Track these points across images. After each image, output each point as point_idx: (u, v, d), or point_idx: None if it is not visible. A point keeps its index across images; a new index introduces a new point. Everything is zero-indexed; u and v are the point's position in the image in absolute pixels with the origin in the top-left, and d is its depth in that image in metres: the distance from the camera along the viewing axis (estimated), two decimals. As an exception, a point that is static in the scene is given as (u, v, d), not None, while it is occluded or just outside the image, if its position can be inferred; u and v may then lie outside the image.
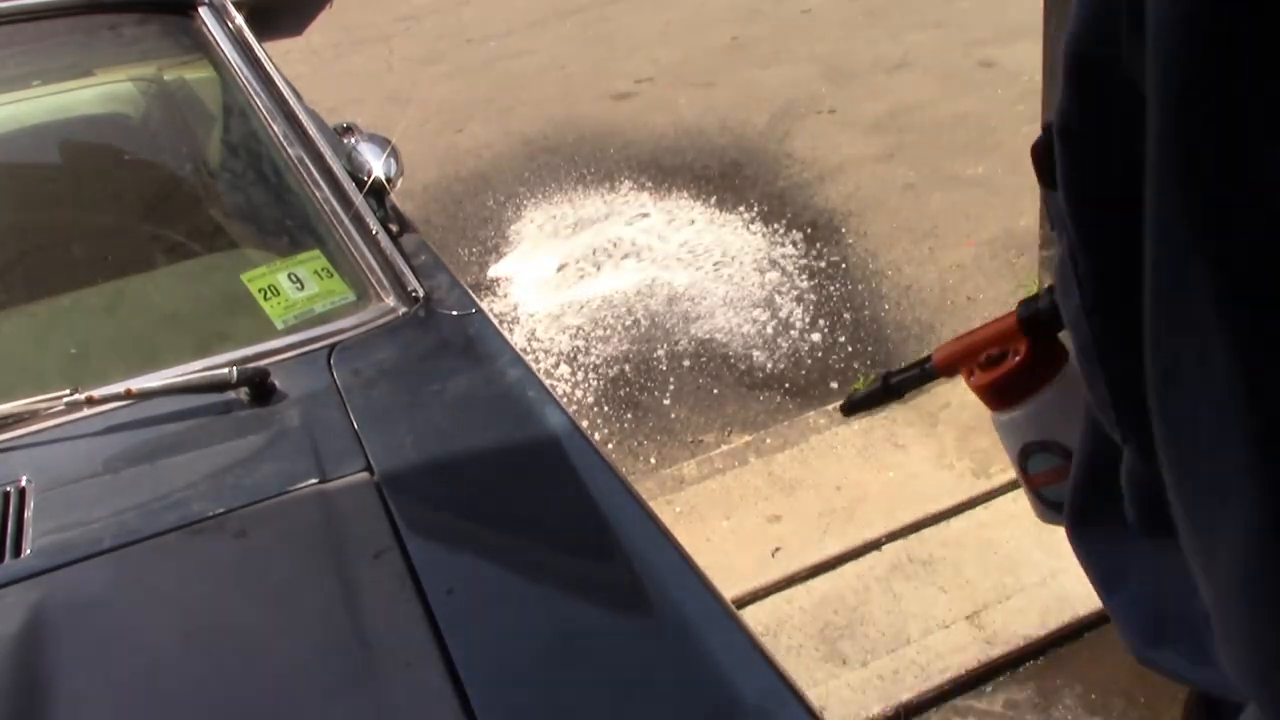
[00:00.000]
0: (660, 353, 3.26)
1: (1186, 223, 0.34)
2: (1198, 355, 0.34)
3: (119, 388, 1.24)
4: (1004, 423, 0.81)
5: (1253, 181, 0.31)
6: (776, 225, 3.89)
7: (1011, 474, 2.40)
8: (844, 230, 3.79)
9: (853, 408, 0.94)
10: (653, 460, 2.81)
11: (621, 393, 3.11)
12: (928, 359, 0.88)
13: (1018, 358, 0.78)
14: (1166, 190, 0.34)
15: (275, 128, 1.64)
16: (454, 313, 1.43)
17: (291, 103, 1.67)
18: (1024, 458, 0.80)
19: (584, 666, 0.90)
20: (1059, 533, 0.72)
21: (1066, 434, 0.76)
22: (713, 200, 4.17)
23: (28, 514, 1.10)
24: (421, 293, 1.45)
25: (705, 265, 3.68)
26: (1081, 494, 0.56)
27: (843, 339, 3.20)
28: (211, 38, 1.75)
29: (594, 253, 3.89)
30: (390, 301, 1.44)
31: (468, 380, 1.31)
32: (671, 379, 3.13)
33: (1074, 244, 0.42)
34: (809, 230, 3.82)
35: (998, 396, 0.80)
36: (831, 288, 3.46)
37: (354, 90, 6.22)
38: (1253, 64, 0.30)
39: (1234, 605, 0.36)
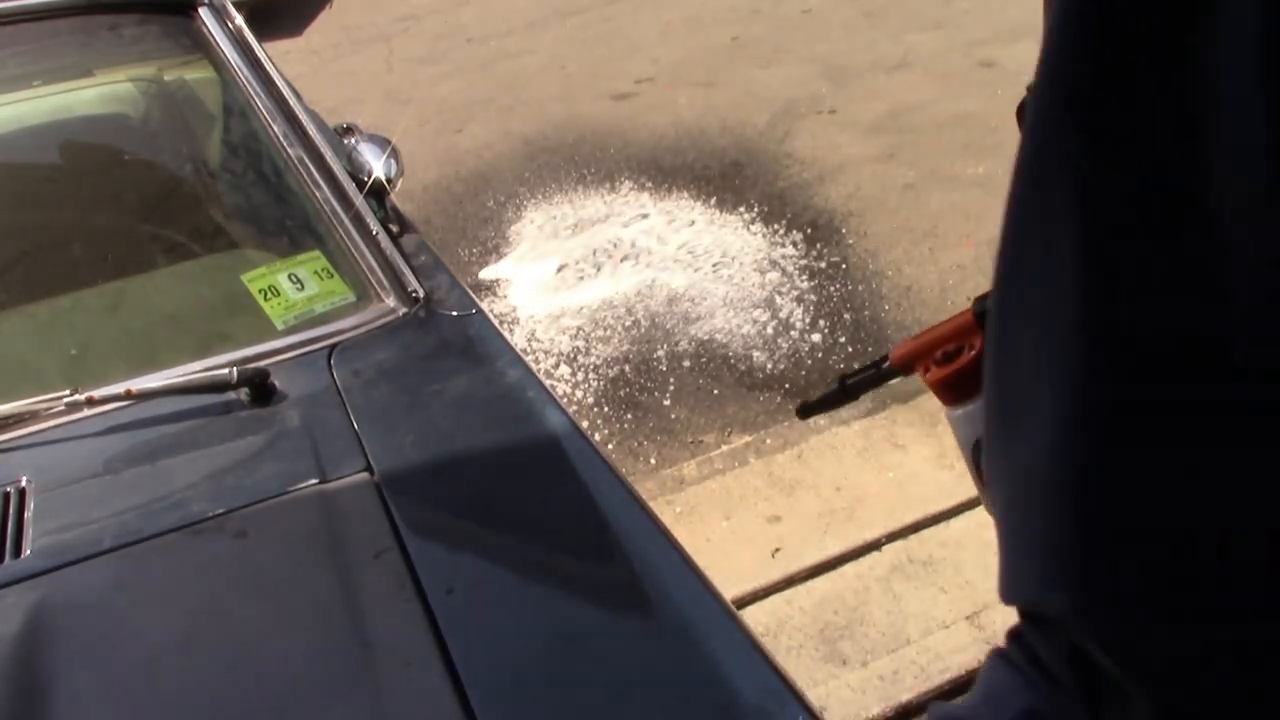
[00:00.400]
0: (660, 353, 3.26)
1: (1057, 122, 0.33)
2: (1044, 243, 0.33)
3: (119, 388, 1.24)
4: (957, 417, 0.82)
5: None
6: (776, 225, 3.89)
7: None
8: (844, 230, 3.79)
9: (807, 411, 0.92)
10: (653, 460, 2.81)
11: (621, 393, 3.11)
12: (884, 359, 0.88)
13: (973, 352, 0.79)
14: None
15: (275, 128, 1.64)
16: (454, 313, 1.43)
17: (291, 103, 1.67)
18: (976, 452, 0.80)
19: (584, 666, 0.90)
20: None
21: None
22: (713, 200, 4.17)
23: (28, 514, 1.10)
24: (421, 293, 1.45)
25: (705, 266, 3.68)
26: None
27: (843, 339, 3.20)
28: (211, 38, 1.75)
29: (594, 253, 3.89)
30: (390, 302, 1.44)
31: (468, 380, 1.31)
32: (672, 379, 3.13)
33: None
34: (809, 230, 3.82)
35: (952, 391, 0.81)
36: (832, 288, 3.46)
37: (354, 90, 6.22)
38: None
39: (1036, 501, 0.36)
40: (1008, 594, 0.38)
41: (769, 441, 2.68)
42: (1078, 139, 0.32)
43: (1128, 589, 0.33)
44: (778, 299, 3.43)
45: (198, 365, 1.32)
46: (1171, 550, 0.31)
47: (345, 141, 1.78)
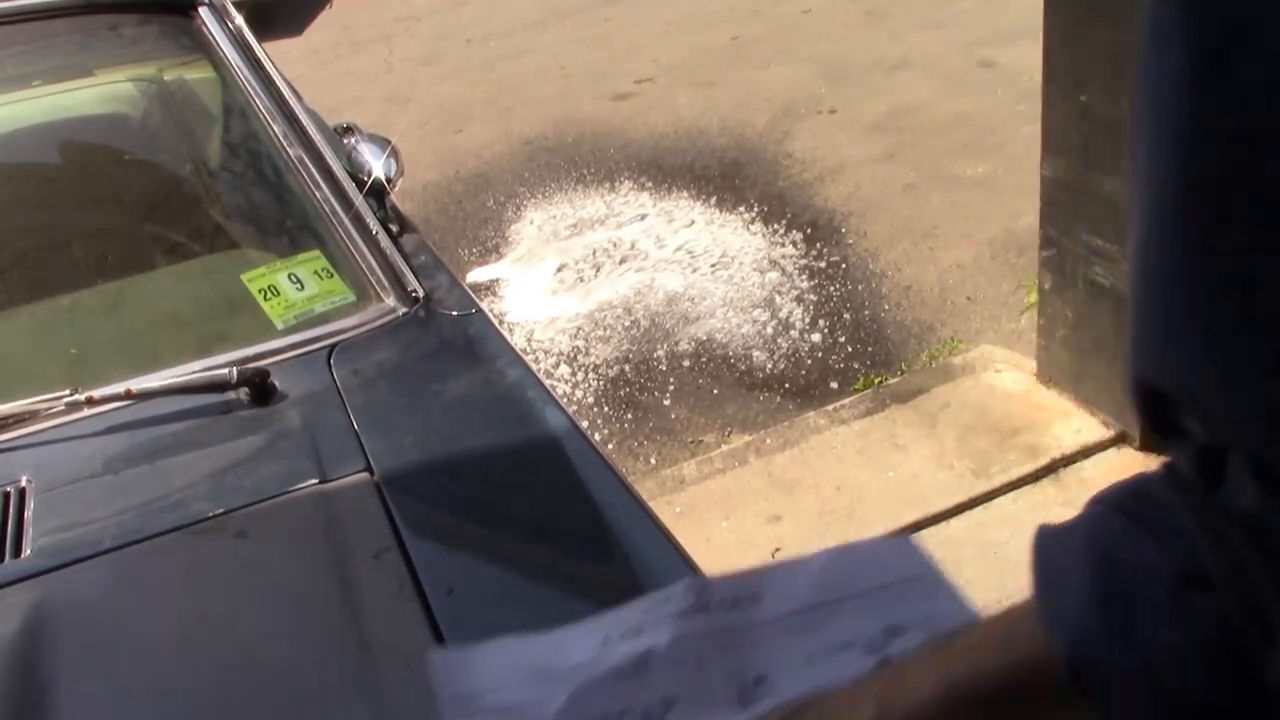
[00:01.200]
0: (660, 353, 3.26)
1: None
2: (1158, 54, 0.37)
3: (119, 388, 1.23)
4: None
5: None
6: (776, 225, 3.89)
7: (1012, 475, 2.41)
8: (844, 230, 3.79)
9: None
10: (653, 460, 2.81)
11: (621, 393, 3.11)
12: None
13: None
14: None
15: (275, 128, 1.64)
16: (454, 313, 1.43)
17: (291, 103, 1.67)
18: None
19: (584, 667, 0.89)
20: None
21: None
22: (713, 200, 4.17)
23: (28, 514, 1.10)
24: (421, 293, 1.45)
25: (704, 266, 3.68)
26: None
27: (843, 339, 3.20)
28: (211, 38, 1.75)
29: (594, 253, 3.89)
30: (390, 302, 1.44)
31: (468, 380, 1.31)
32: (671, 379, 3.14)
33: None
34: (809, 230, 3.82)
35: None
36: (831, 288, 3.46)
37: (354, 90, 6.22)
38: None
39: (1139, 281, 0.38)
40: (1132, 372, 0.40)
41: (769, 441, 2.68)
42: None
43: (1217, 354, 0.35)
44: (777, 299, 3.43)
45: (197, 365, 1.32)
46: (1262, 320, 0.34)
47: (345, 141, 1.79)
